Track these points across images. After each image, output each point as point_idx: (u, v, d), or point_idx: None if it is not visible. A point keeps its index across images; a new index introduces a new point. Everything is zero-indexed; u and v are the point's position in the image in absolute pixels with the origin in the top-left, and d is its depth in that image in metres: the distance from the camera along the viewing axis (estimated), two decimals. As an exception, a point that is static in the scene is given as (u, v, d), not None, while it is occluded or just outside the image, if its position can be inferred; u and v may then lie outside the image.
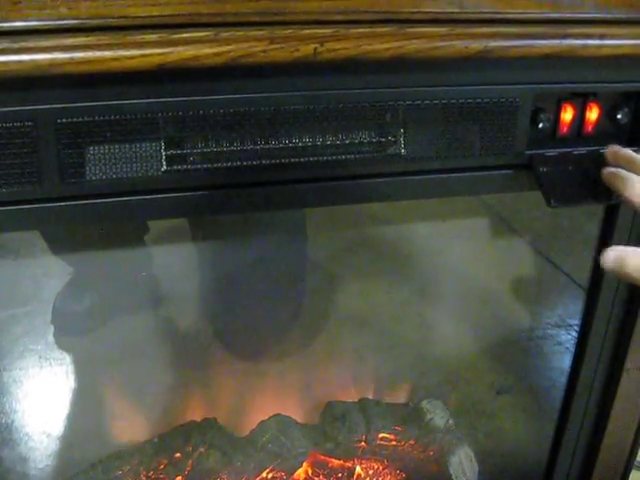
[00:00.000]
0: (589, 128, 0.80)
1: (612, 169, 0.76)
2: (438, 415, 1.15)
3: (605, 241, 0.89)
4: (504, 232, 1.16)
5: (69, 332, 1.07)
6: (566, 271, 1.12)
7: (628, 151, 0.77)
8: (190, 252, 1.04)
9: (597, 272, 0.94)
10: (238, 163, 0.72)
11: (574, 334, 1.04)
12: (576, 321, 1.02)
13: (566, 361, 1.05)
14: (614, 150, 0.78)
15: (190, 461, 1.05)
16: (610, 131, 0.82)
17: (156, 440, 1.07)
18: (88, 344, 1.10)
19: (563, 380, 1.06)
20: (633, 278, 0.67)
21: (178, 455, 1.05)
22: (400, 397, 1.20)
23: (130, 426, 1.12)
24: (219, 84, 0.68)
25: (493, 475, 1.18)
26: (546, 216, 1.06)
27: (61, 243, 0.96)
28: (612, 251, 0.68)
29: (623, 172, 0.74)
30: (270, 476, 1.09)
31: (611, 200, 0.79)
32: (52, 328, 1.04)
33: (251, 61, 0.65)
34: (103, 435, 1.12)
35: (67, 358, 1.06)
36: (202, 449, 1.05)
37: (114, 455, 1.06)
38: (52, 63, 0.61)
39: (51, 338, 1.04)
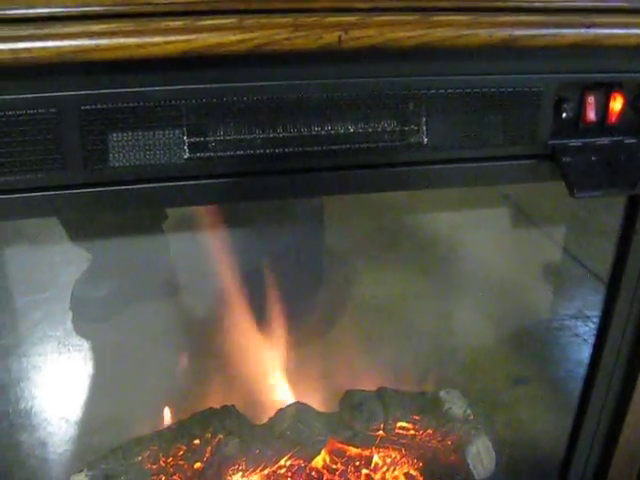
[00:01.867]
0: (613, 118, 0.80)
1: None
2: (456, 405, 1.15)
3: (627, 233, 0.88)
4: (523, 223, 1.16)
5: (88, 318, 1.08)
6: (584, 263, 1.12)
7: None
8: (207, 239, 1.05)
9: (618, 264, 0.94)
10: (260, 151, 0.72)
11: (592, 326, 1.03)
12: (594, 313, 1.02)
13: (584, 352, 1.05)
14: None
15: (209, 448, 1.05)
16: (634, 121, 0.81)
17: (175, 427, 1.08)
18: (107, 330, 1.11)
19: (580, 371, 1.06)
20: None
21: (197, 442, 1.05)
22: (418, 386, 1.20)
23: (149, 412, 1.13)
24: (242, 71, 0.68)
25: (510, 465, 1.18)
26: (565, 207, 1.05)
27: (80, 230, 0.97)
28: None
29: None
30: (288, 463, 1.09)
31: (634, 190, 0.79)
32: (71, 314, 1.05)
33: (275, 49, 0.65)
34: (122, 421, 1.13)
35: (86, 344, 1.07)
36: (221, 436, 1.05)
37: (133, 441, 1.07)
38: (77, 50, 0.61)
39: (70, 324, 1.05)
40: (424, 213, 1.10)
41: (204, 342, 1.12)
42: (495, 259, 1.16)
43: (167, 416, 1.11)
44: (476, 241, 1.13)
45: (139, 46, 0.62)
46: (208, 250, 1.05)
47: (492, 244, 1.14)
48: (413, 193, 0.91)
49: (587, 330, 1.08)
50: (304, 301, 1.15)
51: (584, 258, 1.12)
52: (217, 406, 1.10)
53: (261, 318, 1.12)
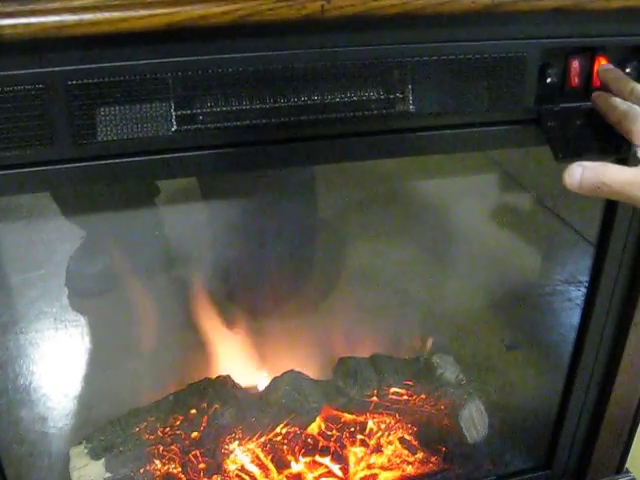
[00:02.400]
0: (598, 83, 0.80)
1: (603, 94, 0.76)
2: (449, 370, 1.16)
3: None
4: (513, 189, 1.16)
5: (83, 294, 1.08)
6: (576, 228, 1.12)
7: (618, 71, 0.78)
8: (200, 212, 1.05)
9: (606, 227, 0.95)
10: (247, 122, 0.72)
11: (584, 290, 1.04)
12: (586, 277, 1.02)
13: (576, 317, 1.05)
14: (605, 69, 0.78)
15: (205, 417, 1.06)
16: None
17: (172, 398, 1.09)
18: (102, 305, 1.11)
19: (573, 336, 1.07)
20: (612, 190, 0.65)
21: (193, 412, 1.07)
22: (411, 353, 1.22)
23: (146, 385, 1.14)
24: (228, 43, 0.68)
25: (503, 428, 1.20)
26: (555, 172, 1.06)
27: (73, 207, 0.97)
28: (579, 165, 0.67)
29: (618, 101, 0.74)
30: (284, 431, 1.11)
31: (619, 153, 0.79)
32: (66, 291, 1.05)
33: (259, 19, 0.65)
34: (120, 394, 1.14)
35: (82, 320, 1.07)
36: (217, 406, 1.06)
37: (131, 412, 1.08)
38: (60, 25, 0.61)
39: (65, 300, 1.05)
40: (415, 181, 1.10)
41: (199, 314, 1.12)
42: (487, 225, 1.16)
43: (163, 388, 1.11)
44: (467, 208, 1.13)
45: (123, 20, 0.62)
46: (200, 223, 1.05)
47: (483, 211, 1.14)
48: (403, 161, 0.92)
49: (579, 295, 1.08)
50: (297, 271, 1.15)
51: (576, 223, 1.12)
52: (212, 377, 1.11)
53: (255, 289, 1.13)
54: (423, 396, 1.15)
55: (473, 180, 1.10)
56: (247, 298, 1.14)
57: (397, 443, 1.16)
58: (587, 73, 0.79)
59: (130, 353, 1.11)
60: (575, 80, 0.79)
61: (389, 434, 1.17)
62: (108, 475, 1.03)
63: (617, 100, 0.75)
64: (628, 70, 0.80)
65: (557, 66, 0.78)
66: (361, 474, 1.13)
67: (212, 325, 1.13)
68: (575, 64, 0.79)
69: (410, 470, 1.15)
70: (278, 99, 0.72)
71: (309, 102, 0.73)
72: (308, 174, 1.03)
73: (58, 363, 1.12)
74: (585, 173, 0.66)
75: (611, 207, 0.93)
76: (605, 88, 0.78)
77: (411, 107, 0.76)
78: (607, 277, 0.98)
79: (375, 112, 0.75)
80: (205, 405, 1.06)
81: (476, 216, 1.15)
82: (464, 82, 0.76)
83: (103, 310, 1.11)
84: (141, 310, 1.09)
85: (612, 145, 0.77)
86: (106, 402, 1.14)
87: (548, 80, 0.78)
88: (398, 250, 1.17)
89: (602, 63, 0.79)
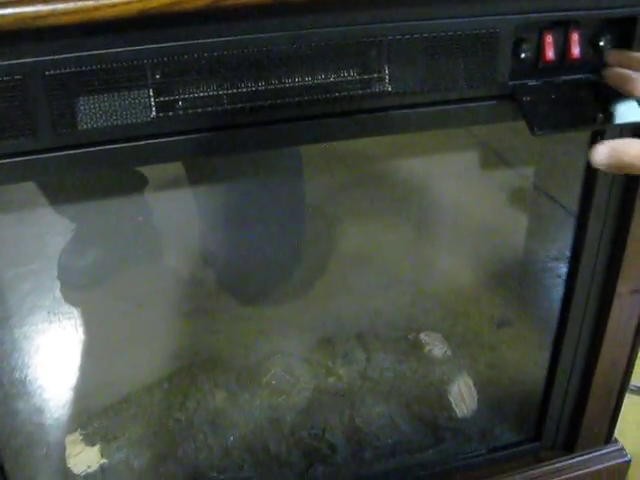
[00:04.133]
0: (572, 56, 0.80)
1: (616, 69, 0.77)
2: (437, 346, 1.17)
3: (592, 168, 0.89)
4: (501, 167, 1.17)
5: (75, 286, 1.09)
6: (565, 205, 1.13)
7: (630, 52, 0.78)
8: (189, 200, 1.05)
9: (585, 199, 0.95)
10: (226, 106, 0.72)
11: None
12: (575, 254, 1.03)
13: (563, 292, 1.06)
14: (614, 52, 0.79)
15: (196, 400, 1.08)
16: (593, 59, 0.82)
17: (164, 383, 1.10)
18: (94, 297, 1.12)
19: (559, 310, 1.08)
20: (635, 167, 0.67)
21: (185, 395, 1.08)
22: (400, 332, 1.23)
23: (138, 372, 1.15)
24: (203, 28, 0.68)
25: (492, 402, 1.21)
26: (539, 148, 1.06)
27: (63, 200, 0.97)
28: (603, 145, 0.68)
29: (628, 72, 0.75)
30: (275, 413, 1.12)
31: (594, 126, 0.80)
32: (58, 284, 1.06)
33: (232, 3, 0.65)
34: (113, 382, 1.15)
35: (75, 312, 1.08)
36: (207, 389, 1.07)
37: (124, 399, 1.09)
38: (34, 16, 0.61)
39: (58, 293, 1.06)
40: (398, 160, 1.11)
41: (189, 300, 1.13)
42: (474, 203, 1.17)
43: (155, 374, 1.12)
44: (454, 186, 1.14)
45: (96, 8, 0.62)
46: (189, 211, 1.06)
47: (470, 189, 1.15)
48: (389, 143, 0.93)
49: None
50: (286, 254, 1.16)
51: (565, 200, 1.13)
52: (203, 361, 1.12)
53: (244, 272, 1.14)
54: (412, 373, 1.16)
55: (459, 158, 1.10)
56: (236, 282, 1.15)
57: (387, 419, 1.18)
58: (561, 47, 0.80)
59: (122, 342, 1.12)
60: (549, 55, 0.79)
61: (379, 411, 1.18)
62: (104, 461, 1.04)
63: (629, 71, 0.76)
64: (602, 43, 0.80)
65: (531, 41, 0.78)
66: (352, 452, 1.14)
67: (202, 311, 1.14)
68: (549, 39, 0.79)
69: (401, 446, 1.16)
70: (255, 82, 0.73)
71: (287, 84, 0.74)
72: (295, 158, 1.03)
73: (53, 355, 1.13)
74: (611, 153, 0.68)
75: (591, 178, 0.94)
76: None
77: (388, 86, 0.77)
78: (588, 249, 0.98)
79: (352, 92, 0.76)
80: (195, 389, 1.07)
81: (463, 194, 1.15)
82: (439, 60, 0.76)
83: (95, 302, 1.12)
84: (132, 300, 1.10)
85: (587, 118, 0.78)
86: (101, 392, 1.15)
87: (522, 55, 0.78)
88: (386, 230, 1.18)
89: (576, 37, 0.80)
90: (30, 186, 0.90)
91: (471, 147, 1.08)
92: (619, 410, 1.14)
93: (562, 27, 0.79)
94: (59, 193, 0.96)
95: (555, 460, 1.17)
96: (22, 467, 1.06)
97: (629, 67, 0.76)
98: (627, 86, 0.75)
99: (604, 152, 0.68)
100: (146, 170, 0.93)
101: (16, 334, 1.07)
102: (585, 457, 1.17)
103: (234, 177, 0.99)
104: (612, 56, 0.79)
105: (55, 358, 1.14)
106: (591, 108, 0.78)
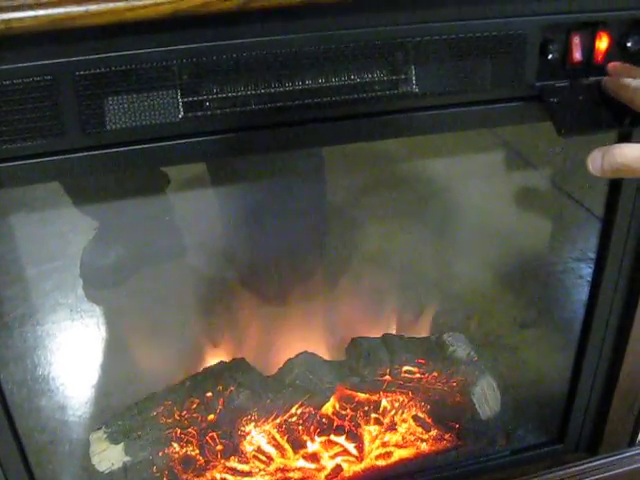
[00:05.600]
0: (599, 57, 0.80)
1: (616, 78, 0.77)
2: (460, 347, 1.17)
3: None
4: (523, 167, 1.16)
5: (97, 285, 1.10)
6: (587, 206, 1.12)
7: (625, 64, 0.79)
8: (212, 200, 1.06)
9: (611, 202, 0.95)
10: (253, 106, 0.73)
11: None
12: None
13: (587, 294, 1.06)
14: (614, 64, 0.79)
15: (221, 400, 1.08)
16: (620, 60, 0.81)
17: (188, 382, 1.11)
18: (117, 295, 1.12)
19: (583, 312, 1.07)
20: (631, 169, 0.66)
21: (209, 395, 1.08)
22: (423, 332, 1.22)
23: (162, 370, 1.15)
24: (231, 29, 0.69)
25: (515, 404, 1.20)
26: (564, 150, 1.06)
27: (86, 198, 0.98)
28: (597, 150, 0.68)
29: (629, 80, 0.75)
30: (299, 412, 1.12)
31: (621, 128, 0.80)
32: (81, 282, 1.06)
33: (261, 5, 0.65)
34: (136, 381, 1.15)
35: (97, 310, 1.08)
36: (232, 388, 1.07)
37: (148, 397, 1.10)
38: (67, 17, 0.62)
39: (80, 291, 1.07)
40: (423, 161, 1.11)
41: (213, 299, 1.14)
42: (497, 204, 1.17)
43: (180, 373, 1.13)
44: (477, 187, 1.14)
45: (128, 9, 0.63)
46: (212, 211, 1.06)
47: (492, 189, 1.15)
48: (411, 143, 0.92)
49: (590, 272, 1.08)
50: (309, 254, 1.16)
51: (586, 200, 1.12)
52: (228, 360, 1.13)
53: (267, 273, 1.14)
54: (435, 374, 1.16)
55: (482, 160, 1.10)
56: (261, 281, 1.15)
57: (411, 421, 1.17)
58: (588, 48, 0.79)
59: (145, 341, 1.13)
60: (576, 56, 0.79)
61: (403, 412, 1.18)
62: (127, 459, 1.05)
63: (628, 79, 0.75)
64: (629, 44, 0.80)
65: (558, 42, 0.78)
66: (376, 452, 1.14)
67: (226, 310, 1.14)
68: (576, 40, 0.79)
69: (424, 447, 1.16)
70: (282, 83, 0.73)
71: (314, 85, 0.74)
72: (317, 159, 1.03)
73: (75, 353, 1.14)
74: (605, 157, 0.68)
75: (617, 182, 0.93)
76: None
77: (414, 87, 0.76)
78: (614, 252, 0.98)
79: (379, 93, 0.76)
80: (221, 388, 1.07)
81: (487, 195, 1.15)
82: (466, 61, 0.76)
83: (118, 300, 1.12)
84: (155, 298, 1.10)
85: (614, 119, 0.78)
86: (124, 389, 1.15)
87: (549, 56, 0.78)
88: (410, 231, 1.18)
89: (603, 38, 0.80)
90: (53, 184, 0.90)
91: (493, 147, 1.08)
92: (643, 413, 1.13)
93: (589, 28, 0.79)
94: (82, 192, 0.96)
95: (578, 462, 1.16)
96: (46, 463, 1.07)
97: (628, 76, 0.76)
98: (627, 94, 0.75)
99: (598, 155, 0.68)
100: (169, 169, 0.94)
101: (39, 331, 1.07)
102: (608, 459, 1.16)
103: (256, 176, 1.00)
104: (610, 67, 0.79)
105: (78, 356, 1.15)
106: (618, 110, 0.77)
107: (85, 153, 0.71)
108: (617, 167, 0.67)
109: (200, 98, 0.72)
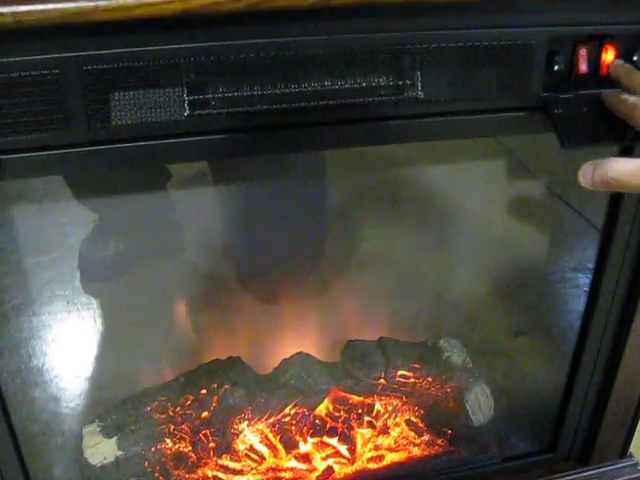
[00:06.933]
0: (605, 70, 0.80)
1: (615, 93, 0.77)
2: (455, 353, 1.17)
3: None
4: (523, 176, 1.16)
5: (95, 277, 1.10)
6: (585, 215, 1.13)
7: (628, 65, 0.78)
8: (211, 197, 1.06)
9: (612, 213, 0.95)
10: (258, 107, 0.73)
11: (592, 277, 1.04)
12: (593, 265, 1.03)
13: (583, 304, 1.06)
14: (615, 65, 0.79)
15: (215, 397, 1.08)
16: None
17: (182, 378, 1.11)
18: (114, 288, 1.12)
19: (579, 322, 1.07)
20: (620, 183, 0.67)
21: (204, 392, 1.08)
22: (419, 337, 1.22)
23: (157, 366, 1.16)
24: (240, 29, 0.69)
25: (508, 411, 1.20)
26: (564, 160, 1.06)
27: (85, 191, 0.98)
28: (588, 163, 0.69)
29: (626, 96, 0.75)
30: (292, 412, 1.12)
31: (625, 141, 0.80)
32: (78, 274, 1.06)
33: (270, 6, 0.66)
34: (131, 375, 1.15)
35: (94, 302, 1.09)
36: (227, 386, 1.07)
37: (142, 393, 1.10)
38: (76, 12, 0.62)
39: (78, 283, 1.07)
40: (423, 167, 1.11)
41: (209, 297, 1.14)
42: (495, 212, 1.17)
43: (175, 369, 1.13)
44: (477, 194, 1.14)
45: (137, 6, 0.63)
46: (211, 207, 1.06)
47: (493, 197, 1.15)
48: (414, 149, 0.93)
49: (587, 282, 1.08)
50: (307, 255, 1.16)
51: (584, 210, 1.13)
52: (223, 358, 1.13)
53: (264, 272, 1.14)
54: (430, 379, 1.16)
55: (482, 167, 1.10)
56: (257, 281, 1.15)
57: (404, 425, 1.18)
58: (595, 61, 0.79)
59: (141, 335, 1.13)
60: (582, 68, 0.79)
61: (396, 416, 1.18)
62: (120, 453, 1.05)
63: (625, 94, 0.76)
64: (635, 58, 0.80)
65: (565, 54, 0.78)
66: (368, 455, 1.15)
67: (223, 308, 1.14)
68: (582, 52, 0.79)
69: (416, 452, 1.16)
70: (289, 85, 0.73)
71: (319, 88, 0.74)
72: (317, 161, 1.03)
73: (70, 344, 1.14)
74: (595, 171, 0.68)
75: (617, 194, 0.93)
76: (615, 83, 0.79)
77: (420, 93, 0.76)
78: (613, 264, 0.98)
79: (384, 98, 0.76)
80: (215, 386, 1.08)
81: (485, 203, 1.15)
82: (472, 69, 0.76)
83: (115, 293, 1.12)
84: (152, 293, 1.10)
85: (618, 133, 0.78)
86: (118, 383, 1.15)
87: (555, 68, 0.78)
88: (407, 235, 1.18)
89: (610, 51, 0.80)
90: (54, 176, 0.90)
91: (494, 155, 1.08)
92: (635, 424, 1.14)
93: (596, 41, 0.79)
94: (82, 184, 0.96)
95: (569, 472, 1.16)
96: (39, 453, 1.07)
97: (629, 86, 0.76)
98: (624, 110, 0.75)
99: (589, 169, 0.69)
100: (170, 165, 0.94)
101: (35, 322, 1.07)
102: (599, 470, 1.17)
103: (256, 175, 1.00)
104: (612, 68, 0.79)
105: (73, 348, 1.15)
106: (622, 123, 0.77)
107: (90, 148, 0.71)
108: (607, 181, 0.68)
109: (206, 97, 0.72)
